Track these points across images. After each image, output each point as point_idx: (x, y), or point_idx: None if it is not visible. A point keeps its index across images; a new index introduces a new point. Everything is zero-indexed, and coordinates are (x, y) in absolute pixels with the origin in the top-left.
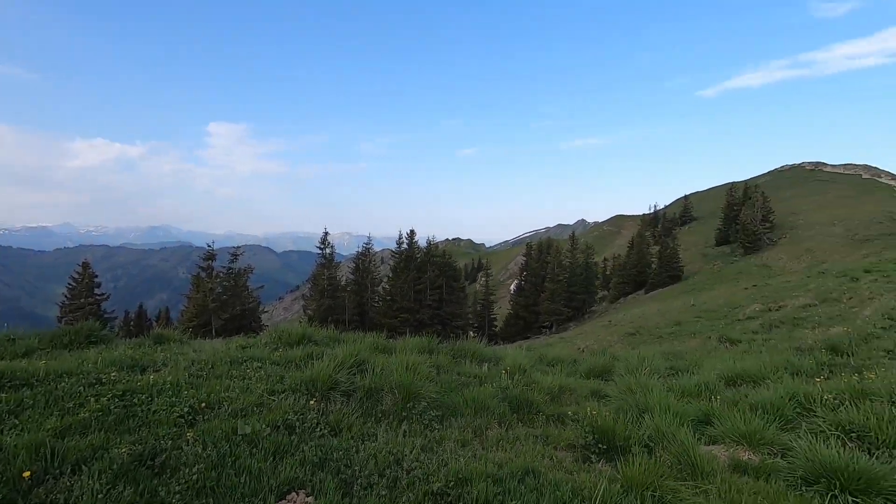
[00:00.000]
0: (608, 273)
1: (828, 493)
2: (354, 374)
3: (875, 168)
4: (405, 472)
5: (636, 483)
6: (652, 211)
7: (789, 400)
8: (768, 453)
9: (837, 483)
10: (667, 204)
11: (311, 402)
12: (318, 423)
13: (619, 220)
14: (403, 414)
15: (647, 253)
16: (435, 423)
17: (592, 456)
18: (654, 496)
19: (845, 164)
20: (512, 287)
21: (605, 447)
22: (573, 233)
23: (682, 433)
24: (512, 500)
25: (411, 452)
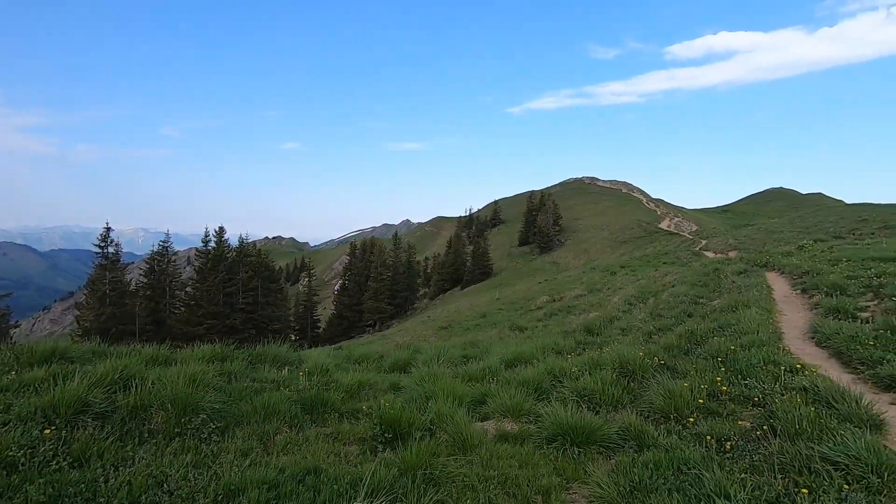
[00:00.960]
0: (429, 271)
1: (562, 448)
2: (116, 392)
3: (630, 184)
4: (167, 495)
5: (411, 465)
6: (468, 213)
7: (547, 374)
8: (526, 421)
9: (569, 438)
10: (480, 207)
11: (47, 432)
12: (54, 456)
13: (439, 222)
14: (177, 430)
15: (463, 252)
16: (215, 436)
17: (379, 446)
18: (426, 474)
19: (612, 180)
20: (336, 287)
21: (390, 436)
22: (396, 232)
23: (458, 414)
24: (286, 502)
25: (178, 472)
